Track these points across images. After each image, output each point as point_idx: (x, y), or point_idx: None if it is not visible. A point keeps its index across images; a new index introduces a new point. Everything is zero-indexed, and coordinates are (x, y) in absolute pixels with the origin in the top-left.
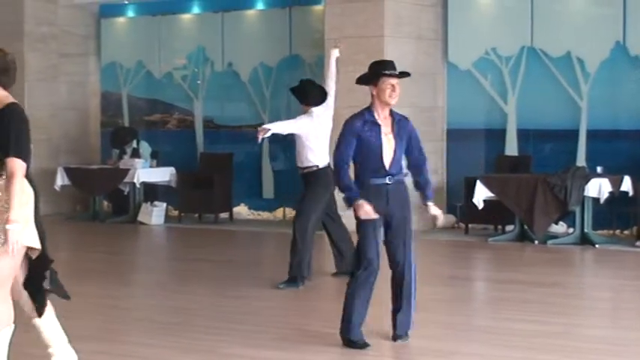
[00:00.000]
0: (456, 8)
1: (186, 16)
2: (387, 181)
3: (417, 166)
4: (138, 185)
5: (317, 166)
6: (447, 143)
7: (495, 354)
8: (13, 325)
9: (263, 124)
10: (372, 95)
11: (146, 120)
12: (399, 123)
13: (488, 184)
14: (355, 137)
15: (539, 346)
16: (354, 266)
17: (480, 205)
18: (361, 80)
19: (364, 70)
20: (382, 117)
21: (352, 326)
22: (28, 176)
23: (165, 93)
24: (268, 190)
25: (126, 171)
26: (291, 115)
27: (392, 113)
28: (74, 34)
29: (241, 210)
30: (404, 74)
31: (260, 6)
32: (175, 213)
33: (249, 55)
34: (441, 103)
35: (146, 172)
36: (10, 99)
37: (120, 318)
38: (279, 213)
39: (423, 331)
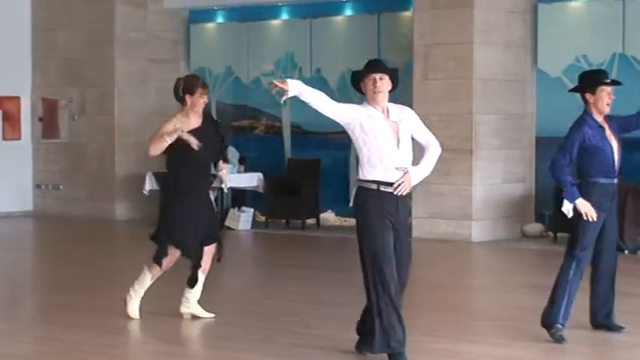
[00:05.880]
0: (545, 15)
1: (274, 22)
2: (615, 181)
3: None
4: (225, 190)
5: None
6: (536, 151)
7: None
8: None
9: None
10: (588, 102)
11: (234, 125)
12: (612, 124)
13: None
14: (580, 142)
15: (637, 357)
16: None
17: (570, 214)
18: (577, 89)
19: (454, 77)
20: (600, 121)
21: None
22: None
23: (254, 99)
24: None
25: (213, 176)
26: None
27: (605, 118)
28: (163, 40)
29: (328, 216)
30: (617, 82)
31: (348, 12)
32: (262, 218)
33: (338, 62)
34: (530, 110)
35: (234, 178)
36: None
37: (206, 322)
38: None
39: (506, 339)
